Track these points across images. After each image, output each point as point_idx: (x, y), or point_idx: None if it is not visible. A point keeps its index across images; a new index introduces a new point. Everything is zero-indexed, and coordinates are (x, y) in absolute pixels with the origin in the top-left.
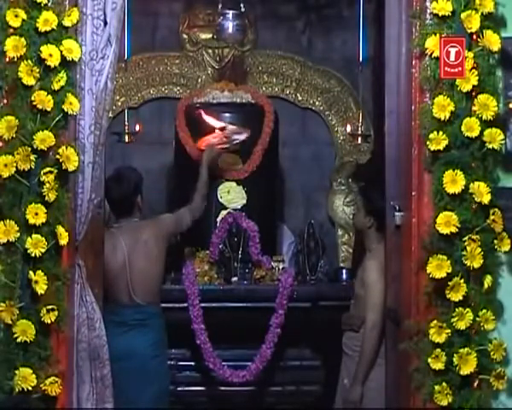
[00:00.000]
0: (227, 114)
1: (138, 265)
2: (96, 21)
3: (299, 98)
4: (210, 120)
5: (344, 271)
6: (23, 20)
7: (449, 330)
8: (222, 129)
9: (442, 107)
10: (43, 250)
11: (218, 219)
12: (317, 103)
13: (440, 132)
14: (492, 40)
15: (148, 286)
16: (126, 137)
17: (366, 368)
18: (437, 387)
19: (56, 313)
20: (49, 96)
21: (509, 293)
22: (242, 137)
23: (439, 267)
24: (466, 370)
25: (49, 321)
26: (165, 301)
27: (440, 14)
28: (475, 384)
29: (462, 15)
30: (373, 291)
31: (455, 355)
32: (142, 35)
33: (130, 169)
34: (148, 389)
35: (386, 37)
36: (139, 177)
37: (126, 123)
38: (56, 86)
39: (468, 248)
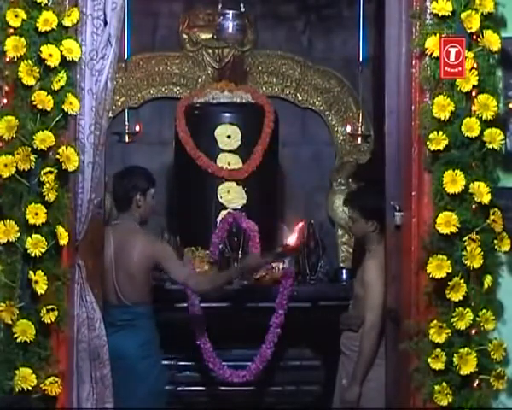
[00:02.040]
0: (227, 114)
1: (123, 266)
2: (96, 21)
3: (299, 98)
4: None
5: (344, 271)
6: (23, 20)
7: (449, 330)
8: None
9: (442, 107)
10: (43, 250)
11: (218, 219)
12: (317, 103)
13: (440, 132)
14: (492, 40)
15: (135, 287)
16: (126, 137)
17: (364, 368)
18: (437, 387)
19: (56, 313)
20: (49, 96)
21: (509, 293)
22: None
23: (439, 267)
24: (466, 370)
25: (49, 321)
26: (165, 301)
27: (440, 14)
28: (475, 384)
29: (462, 15)
30: (372, 291)
31: (455, 355)
32: (142, 35)
33: (138, 168)
34: (139, 390)
35: (386, 37)
36: (144, 177)
37: (126, 123)
38: (56, 86)
39: (468, 248)
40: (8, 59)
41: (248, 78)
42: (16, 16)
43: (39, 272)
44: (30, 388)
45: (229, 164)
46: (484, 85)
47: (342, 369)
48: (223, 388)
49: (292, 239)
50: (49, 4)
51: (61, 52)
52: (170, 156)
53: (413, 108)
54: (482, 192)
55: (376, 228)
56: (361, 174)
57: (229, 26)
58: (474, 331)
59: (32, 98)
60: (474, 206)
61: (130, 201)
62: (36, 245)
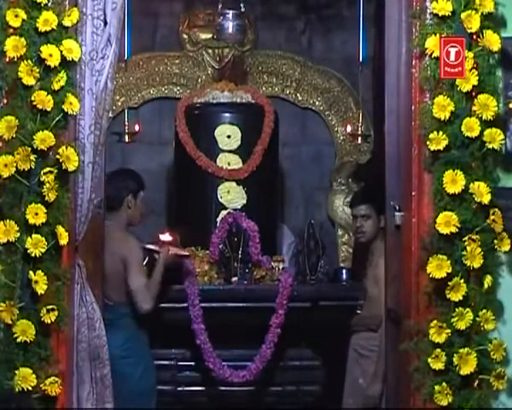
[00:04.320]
0: (227, 114)
1: (105, 266)
2: (96, 21)
3: (299, 98)
4: (162, 237)
5: (344, 271)
6: (23, 20)
7: (449, 330)
8: (169, 243)
9: (442, 107)
10: (43, 250)
11: (218, 219)
12: (317, 103)
13: (440, 132)
14: (492, 40)
15: (116, 287)
16: (126, 137)
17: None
18: (437, 387)
19: (56, 313)
20: (49, 96)
21: (509, 293)
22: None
23: (439, 267)
24: (466, 370)
25: (49, 321)
26: (165, 301)
27: (440, 14)
28: (475, 384)
29: (462, 15)
30: None
31: (455, 355)
32: (142, 35)
33: (130, 171)
34: (120, 389)
35: (386, 37)
36: (135, 179)
37: (126, 123)
38: (56, 86)
39: (468, 249)
40: (8, 59)
41: (248, 78)
42: (16, 16)
43: (39, 272)
44: (30, 388)
45: (229, 164)
46: (484, 85)
47: (357, 369)
48: (223, 388)
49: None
50: (49, 4)
51: (61, 52)
52: (170, 156)
53: (413, 108)
54: (482, 192)
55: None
56: (361, 174)
57: (229, 26)
58: (474, 331)
59: (32, 98)
60: (474, 206)
61: (121, 201)
62: (36, 245)
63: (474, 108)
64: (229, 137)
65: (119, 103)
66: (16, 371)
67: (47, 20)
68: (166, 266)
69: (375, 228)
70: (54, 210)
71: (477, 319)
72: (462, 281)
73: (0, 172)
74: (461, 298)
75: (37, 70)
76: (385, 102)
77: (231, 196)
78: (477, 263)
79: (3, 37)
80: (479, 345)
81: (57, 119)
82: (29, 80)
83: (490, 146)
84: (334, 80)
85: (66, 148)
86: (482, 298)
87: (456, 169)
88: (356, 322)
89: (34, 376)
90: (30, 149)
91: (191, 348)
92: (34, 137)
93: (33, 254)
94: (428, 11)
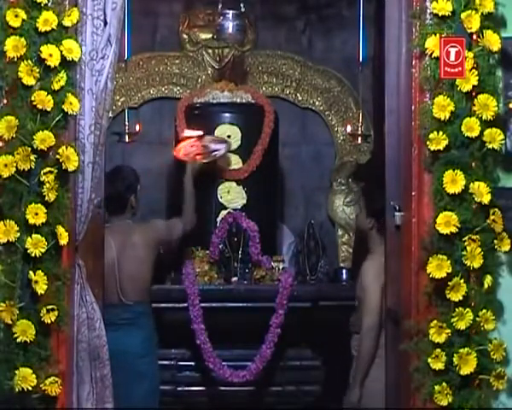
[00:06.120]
0: (227, 114)
1: (126, 266)
2: (96, 21)
3: (299, 98)
4: (189, 132)
5: (344, 271)
6: (23, 20)
7: (449, 330)
8: (200, 137)
9: (442, 107)
10: (43, 250)
11: (218, 219)
12: (317, 103)
13: (440, 132)
14: (492, 40)
15: (137, 286)
16: (126, 137)
17: (362, 370)
18: (437, 387)
19: (56, 313)
20: (49, 96)
21: (509, 293)
22: (222, 150)
23: (439, 267)
24: (466, 370)
25: (49, 321)
26: (165, 301)
27: (440, 14)
28: (475, 384)
29: (462, 15)
30: (369, 294)
31: (455, 355)
32: (142, 35)
33: (127, 168)
34: (137, 388)
35: (386, 37)
36: (134, 176)
37: (126, 123)
38: (56, 86)
39: (468, 249)
40: (8, 59)
41: (248, 78)
42: (16, 16)
43: (39, 272)
44: (30, 388)
45: (229, 164)
46: (484, 85)
47: (352, 371)
48: (223, 388)
49: (193, 133)
50: (49, 4)
51: (61, 52)
52: (170, 156)
53: (413, 108)
54: (482, 192)
55: (373, 227)
56: (361, 174)
57: (229, 26)
58: (474, 331)
59: (32, 98)
60: (474, 206)
61: (125, 203)
62: (36, 245)
63: (474, 108)
64: (229, 137)
65: (119, 103)
66: (16, 371)
67: (47, 20)
68: (194, 175)
69: (362, 224)
70: (54, 210)
71: (477, 319)
72: (462, 281)
73: (0, 172)
74: (461, 298)
75: (37, 70)
76: (385, 102)
77: (231, 196)
78: (477, 263)
79: (3, 37)
80: (479, 345)
81: (57, 119)
82: (29, 80)
83: (490, 146)
84: (334, 80)
85: (66, 148)
86: (482, 298)
87: (456, 169)
88: (351, 323)
89: (34, 376)
90: (30, 149)
91: (191, 348)
92: (34, 137)
93: (33, 254)
94: (428, 11)
